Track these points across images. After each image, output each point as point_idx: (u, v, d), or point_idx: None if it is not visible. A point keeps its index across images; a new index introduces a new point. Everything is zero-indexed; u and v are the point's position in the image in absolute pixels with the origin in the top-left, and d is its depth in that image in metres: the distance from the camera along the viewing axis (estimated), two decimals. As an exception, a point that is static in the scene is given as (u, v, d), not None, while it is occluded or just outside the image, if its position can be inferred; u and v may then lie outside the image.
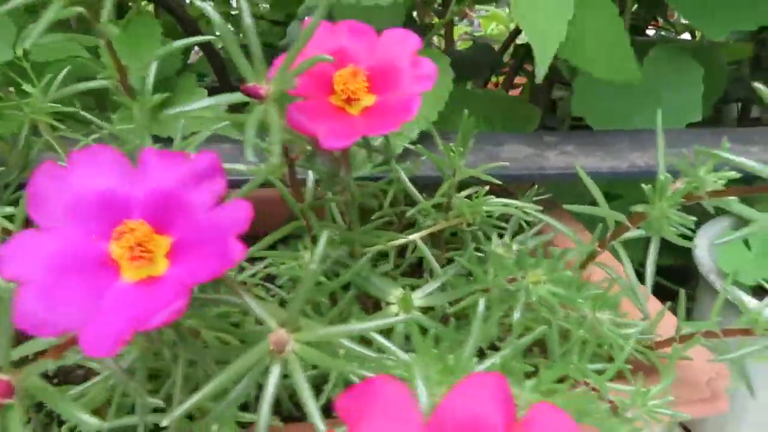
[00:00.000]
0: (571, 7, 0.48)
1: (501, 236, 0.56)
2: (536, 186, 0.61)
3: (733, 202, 0.35)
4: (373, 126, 0.31)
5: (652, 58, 0.82)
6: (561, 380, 0.42)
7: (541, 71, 0.50)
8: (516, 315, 0.35)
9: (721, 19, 0.74)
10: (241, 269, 0.47)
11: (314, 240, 0.42)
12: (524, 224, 0.53)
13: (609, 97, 0.78)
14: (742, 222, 0.73)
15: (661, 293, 0.42)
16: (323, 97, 0.33)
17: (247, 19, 0.29)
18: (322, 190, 0.42)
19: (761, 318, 0.40)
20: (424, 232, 0.48)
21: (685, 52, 0.81)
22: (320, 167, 0.39)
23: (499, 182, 0.48)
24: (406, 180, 0.49)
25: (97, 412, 0.32)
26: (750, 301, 0.56)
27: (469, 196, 0.51)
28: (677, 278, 0.71)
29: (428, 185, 0.51)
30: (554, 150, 0.63)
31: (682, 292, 0.45)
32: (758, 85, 0.34)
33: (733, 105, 1.20)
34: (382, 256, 0.57)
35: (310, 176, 0.42)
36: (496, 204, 0.51)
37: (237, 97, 0.29)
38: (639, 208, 0.38)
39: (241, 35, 0.87)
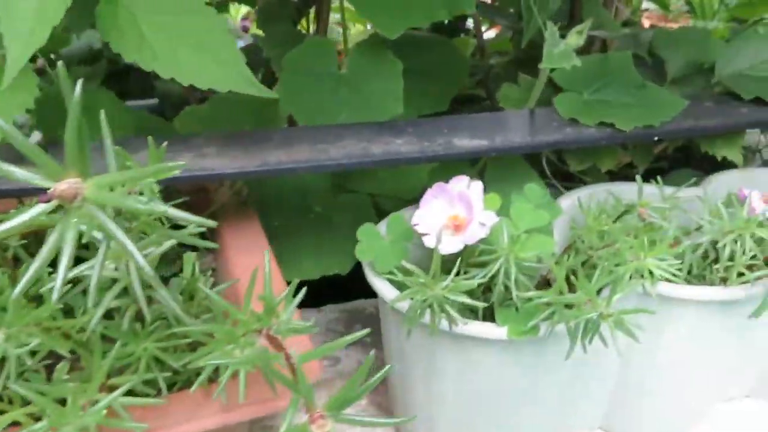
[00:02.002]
0: (60, 13, 0.46)
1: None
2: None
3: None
4: None
5: (353, 54, 0.86)
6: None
7: (9, 75, 0.46)
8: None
9: (394, 16, 0.79)
10: None
11: None
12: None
13: (314, 93, 0.80)
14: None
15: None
16: None
17: None
18: None
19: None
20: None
21: (383, 47, 0.86)
22: None
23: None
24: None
25: None
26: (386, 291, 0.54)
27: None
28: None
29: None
30: (193, 152, 0.59)
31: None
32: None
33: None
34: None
35: None
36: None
37: None
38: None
39: None
